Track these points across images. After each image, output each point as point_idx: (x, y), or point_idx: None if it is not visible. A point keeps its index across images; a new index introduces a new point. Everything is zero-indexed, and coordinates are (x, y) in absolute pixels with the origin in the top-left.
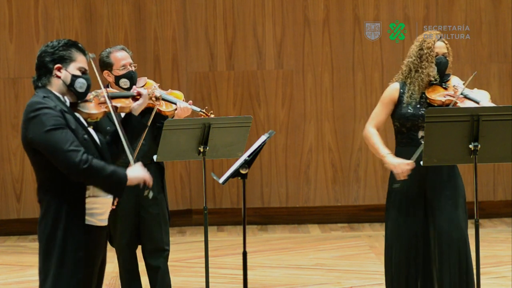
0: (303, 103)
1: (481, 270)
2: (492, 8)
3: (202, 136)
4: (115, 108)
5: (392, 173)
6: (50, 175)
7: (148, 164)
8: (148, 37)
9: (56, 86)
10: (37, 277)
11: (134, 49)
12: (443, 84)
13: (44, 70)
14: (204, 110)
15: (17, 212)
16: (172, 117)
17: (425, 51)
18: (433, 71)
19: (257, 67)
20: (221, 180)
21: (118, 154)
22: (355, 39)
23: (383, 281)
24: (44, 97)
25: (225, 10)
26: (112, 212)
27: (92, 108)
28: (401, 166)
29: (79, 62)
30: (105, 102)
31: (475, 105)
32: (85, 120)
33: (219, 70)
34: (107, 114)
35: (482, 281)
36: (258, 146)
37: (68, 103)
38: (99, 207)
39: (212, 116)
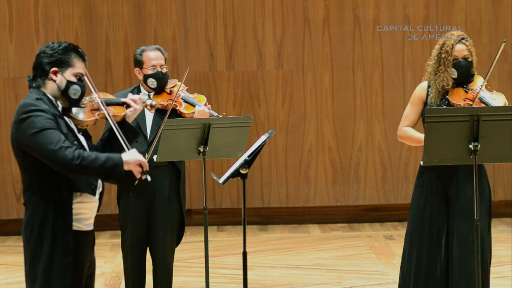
0: (303, 103)
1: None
2: (492, 8)
3: (202, 136)
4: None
5: (419, 169)
6: (38, 178)
7: (165, 166)
8: (148, 37)
9: (50, 89)
10: None
11: (134, 49)
12: (465, 86)
13: (40, 71)
14: (221, 116)
15: (17, 212)
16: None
17: (443, 55)
18: (448, 77)
19: (257, 67)
20: (221, 180)
21: (114, 151)
22: (355, 39)
23: (383, 281)
24: (37, 99)
25: (225, 10)
26: (124, 213)
27: (83, 115)
28: None
29: (76, 68)
30: (98, 108)
31: None
32: (76, 126)
33: (219, 70)
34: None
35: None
36: (258, 146)
37: (60, 108)
38: (86, 212)
39: None
